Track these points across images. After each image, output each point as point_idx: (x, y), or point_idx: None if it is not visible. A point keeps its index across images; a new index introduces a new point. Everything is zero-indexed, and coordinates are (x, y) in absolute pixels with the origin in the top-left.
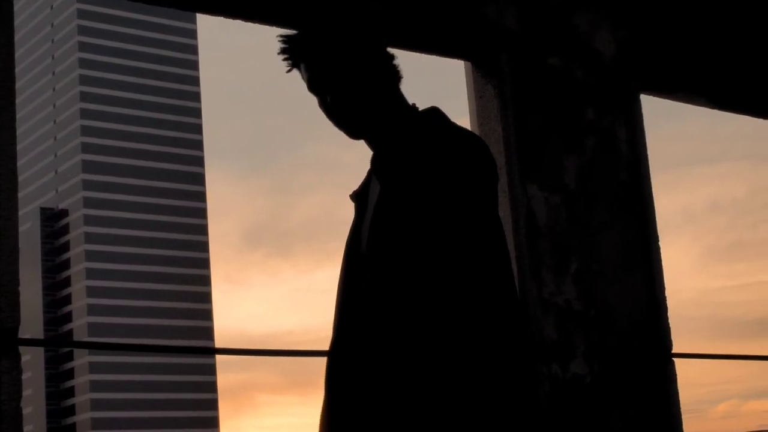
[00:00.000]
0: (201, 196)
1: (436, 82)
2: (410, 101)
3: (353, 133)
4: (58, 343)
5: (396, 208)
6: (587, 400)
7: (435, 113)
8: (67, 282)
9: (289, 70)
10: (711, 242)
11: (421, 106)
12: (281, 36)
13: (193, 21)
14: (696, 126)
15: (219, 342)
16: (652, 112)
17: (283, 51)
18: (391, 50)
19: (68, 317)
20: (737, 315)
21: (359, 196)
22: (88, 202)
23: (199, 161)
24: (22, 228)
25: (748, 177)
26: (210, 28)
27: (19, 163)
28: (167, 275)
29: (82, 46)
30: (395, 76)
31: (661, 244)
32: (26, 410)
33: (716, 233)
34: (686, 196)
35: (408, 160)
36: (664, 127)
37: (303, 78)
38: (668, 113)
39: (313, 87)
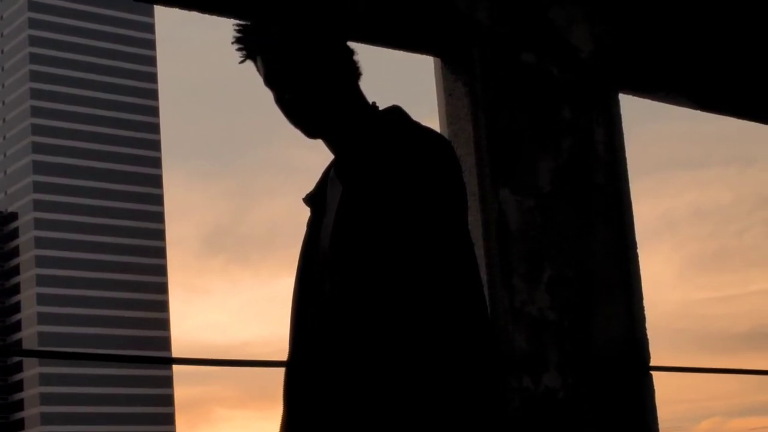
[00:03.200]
0: (158, 199)
1: (402, 79)
2: (375, 99)
3: (311, 132)
4: (7, 353)
5: (361, 212)
6: (560, 414)
7: (397, 112)
8: (16, 289)
9: (242, 61)
10: (694, 251)
11: (388, 104)
12: (237, 25)
13: (151, 14)
14: (678, 128)
15: (176, 353)
16: (632, 112)
17: (238, 41)
18: (350, 45)
19: (17, 326)
20: (722, 328)
21: (314, 199)
22: (39, 205)
23: (157, 162)
24: None
25: (734, 182)
26: (168, 21)
27: None
28: (122, 282)
29: (33, 41)
30: (355, 72)
31: (641, 252)
32: None
33: (699, 241)
34: (668, 202)
35: (372, 162)
36: (644, 129)
37: (259, 71)
38: (649, 114)
39: (270, 81)
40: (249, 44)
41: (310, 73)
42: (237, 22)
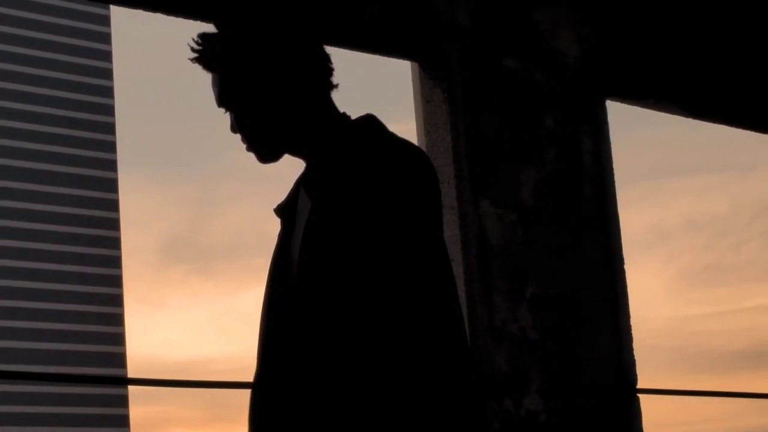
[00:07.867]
0: (113, 205)
1: (377, 85)
2: (348, 105)
3: (263, 157)
4: None
5: (330, 227)
6: None
7: (370, 122)
8: None
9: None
10: (687, 265)
11: (362, 111)
12: (193, 40)
13: (106, 6)
14: (671, 133)
15: (132, 370)
16: (621, 116)
17: (195, 59)
18: (324, 51)
19: None
20: (716, 346)
21: (285, 210)
22: None
23: (112, 165)
24: None
25: (730, 191)
26: (125, 14)
27: None
28: (74, 294)
29: None
30: (324, 78)
31: (629, 266)
32: None
33: (693, 254)
34: (659, 212)
35: (341, 178)
36: (634, 135)
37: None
38: (639, 119)
39: (219, 101)
40: (203, 61)
41: (260, 90)
42: (195, 35)
